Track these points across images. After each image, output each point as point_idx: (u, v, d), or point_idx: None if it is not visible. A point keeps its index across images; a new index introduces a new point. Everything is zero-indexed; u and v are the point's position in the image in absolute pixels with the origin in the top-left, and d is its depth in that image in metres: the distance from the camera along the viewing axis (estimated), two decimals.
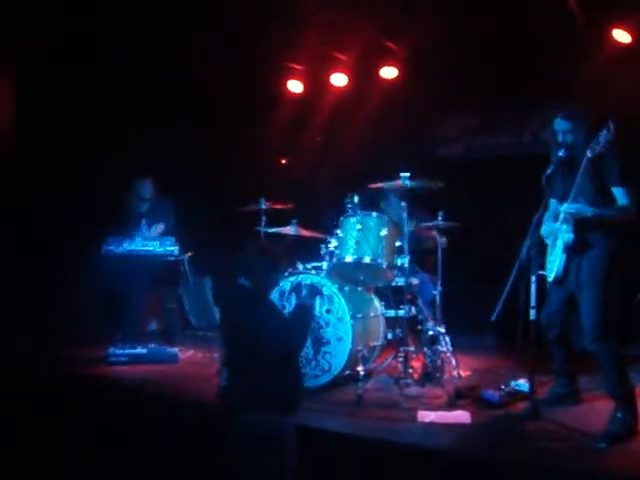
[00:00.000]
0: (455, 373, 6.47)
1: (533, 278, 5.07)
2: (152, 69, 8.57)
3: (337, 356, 6.08)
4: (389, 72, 8.70)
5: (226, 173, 9.30)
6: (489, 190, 8.17)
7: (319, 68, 8.99)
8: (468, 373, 6.68)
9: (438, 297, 6.65)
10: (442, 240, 6.82)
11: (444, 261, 6.74)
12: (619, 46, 7.30)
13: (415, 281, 6.72)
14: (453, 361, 6.47)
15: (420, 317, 6.56)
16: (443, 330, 6.60)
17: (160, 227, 7.92)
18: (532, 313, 5.08)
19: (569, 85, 7.46)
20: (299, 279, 6.27)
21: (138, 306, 7.93)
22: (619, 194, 4.99)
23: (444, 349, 6.48)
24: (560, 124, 5.21)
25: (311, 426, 5.12)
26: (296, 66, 9.07)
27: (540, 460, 4.61)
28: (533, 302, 5.08)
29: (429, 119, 9.00)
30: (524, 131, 8.52)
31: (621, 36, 7.29)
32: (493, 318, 4.98)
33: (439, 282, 6.65)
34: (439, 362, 6.33)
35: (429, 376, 6.20)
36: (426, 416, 5.42)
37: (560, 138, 5.19)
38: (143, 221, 7.94)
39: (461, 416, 5.42)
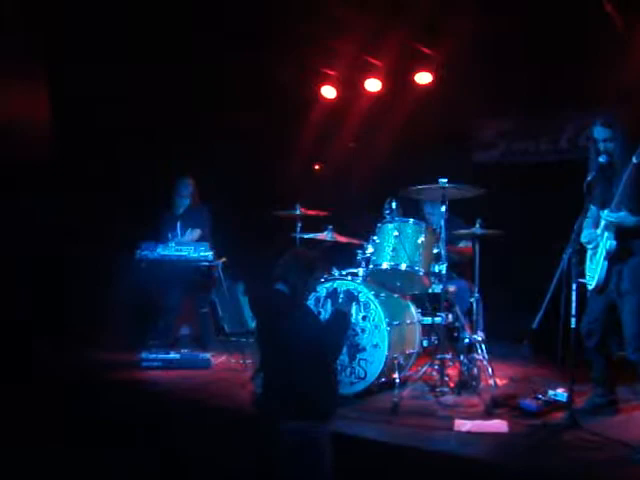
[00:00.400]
0: (491, 381, 6.38)
1: (574, 286, 4.99)
2: (186, 71, 8.56)
3: (373, 363, 6.01)
4: (423, 77, 8.64)
5: (261, 178, 9.28)
6: (526, 196, 8.05)
7: (353, 74, 8.95)
8: (505, 382, 6.58)
9: (475, 305, 6.57)
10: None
11: (481, 268, 6.69)
12: None
13: (452, 288, 6.64)
14: (489, 369, 6.39)
15: (457, 325, 6.49)
16: (480, 338, 6.52)
17: (196, 233, 7.92)
18: (573, 321, 5.00)
19: (607, 90, 7.39)
20: (335, 285, 6.21)
21: (172, 311, 7.91)
22: None
23: (480, 357, 6.41)
24: (600, 132, 5.17)
25: (347, 434, 5.07)
26: (330, 72, 9.03)
27: (578, 471, 4.53)
28: (574, 310, 5.00)
29: (464, 124, 8.92)
30: (561, 137, 8.44)
31: None
32: (534, 326, 4.90)
33: (476, 289, 6.58)
34: (475, 370, 6.28)
35: (465, 384, 6.13)
36: (463, 425, 5.33)
37: (601, 146, 5.13)
38: (179, 224, 7.93)
39: (498, 425, 5.33)
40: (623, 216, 4.92)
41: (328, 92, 9.21)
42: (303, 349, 4.52)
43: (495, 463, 4.72)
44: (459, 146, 8.91)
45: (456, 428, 5.31)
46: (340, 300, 5.84)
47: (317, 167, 9.81)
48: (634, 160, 4.85)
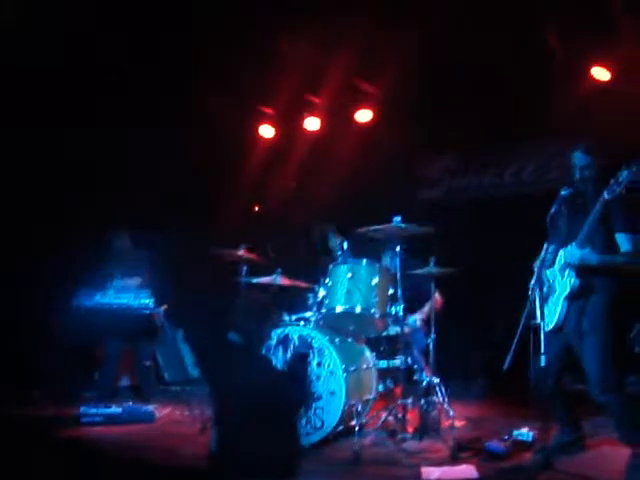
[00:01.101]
0: (451, 424, 6.18)
1: (542, 325, 4.85)
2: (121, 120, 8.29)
3: (330, 412, 5.73)
4: (364, 115, 8.55)
5: (199, 220, 8.98)
6: (473, 232, 7.98)
7: (292, 112, 8.79)
8: (463, 422, 6.39)
9: (431, 345, 6.39)
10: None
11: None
12: (598, 83, 7.28)
13: (407, 329, 6.45)
14: (451, 412, 6.18)
15: (415, 367, 6.30)
16: (437, 380, 6.32)
17: (136, 280, 7.58)
18: (542, 359, 4.85)
19: (550, 123, 7.43)
20: (286, 331, 5.93)
21: (111, 362, 7.53)
22: (622, 240, 4.83)
23: (439, 399, 6.22)
24: (580, 159, 5.06)
25: None
26: (268, 110, 8.85)
27: None
28: (543, 349, 4.85)
29: (407, 162, 8.87)
30: (505, 172, 8.44)
31: (600, 74, 7.27)
32: (505, 367, 4.72)
33: (433, 330, 6.39)
34: (435, 413, 6.08)
35: (426, 429, 5.93)
36: (431, 473, 5.10)
37: (578, 174, 5.03)
38: (118, 273, 7.56)
39: (467, 471, 5.12)
40: (586, 254, 4.83)
41: (266, 131, 9.03)
42: (264, 401, 4.26)
43: None
44: (403, 184, 8.81)
45: (424, 477, 5.08)
46: (294, 347, 5.60)
47: (257, 208, 9.56)
48: (605, 196, 4.73)
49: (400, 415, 5.98)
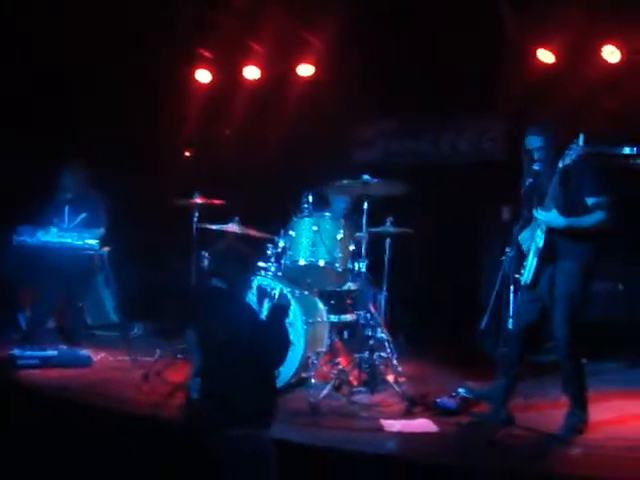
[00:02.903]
0: (395, 379, 6.32)
1: (512, 288, 5.09)
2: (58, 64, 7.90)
3: (287, 363, 5.73)
4: (306, 69, 8.48)
5: (135, 167, 8.70)
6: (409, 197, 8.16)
7: (231, 58, 8.61)
8: (403, 379, 6.57)
9: (383, 302, 6.54)
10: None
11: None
12: (543, 65, 7.52)
13: (354, 286, 6.57)
14: (398, 368, 6.36)
15: (361, 322, 6.39)
16: (386, 336, 6.48)
17: (81, 216, 7.22)
18: (510, 322, 5.09)
19: (494, 97, 7.65)
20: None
21: (47, 303, 7.25)
22: (593, 204, 5.10)
23: (388, 355, 6.38)
24: (532, 141, 5.25)
25: (280, 438, 4.81)
26: (206, 54, 8.62)
27: (518, 465, 4.63)
28: (511, 312, 5.09)
29: (344, 121, 8.86)
30: (442, 140, 8.62)
31: (545, 56, 7.53)
32: (482, 326, 4.93)
33: (385, 287, 6.52)
34: (383, 368, 6.24)
35: (376, 383, 6.08)
36: (392, 425, 5.29)
37: (535, 155, 5.24)
38: (66, 210, 7.21)
39: (427, 425, 5.34)
40: (553, 215, 5.06)
41: (203, 76, 8.77)
42: (247, 350, 4.24)
43: (440, 463, 4.69)
44: (338, 143, 8.85)
45: (386, 429, 5.27)
46: (276, 298, 5.58)
47: (187, 153, 9.34)
48: (560, 165, 5.00)
49: (347, 369, 6.12)
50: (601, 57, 7.29)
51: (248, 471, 4.11)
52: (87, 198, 7.34)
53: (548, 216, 5.05)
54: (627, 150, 7.18)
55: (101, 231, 7.01)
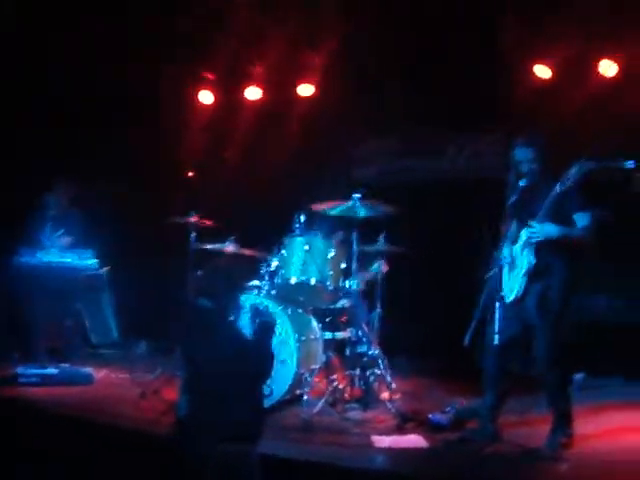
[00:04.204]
0: (389, 396, 6.40)
1: (497, 305, 5.13)
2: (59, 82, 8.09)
3: (279, 380, 5.89)
4: (306, 89, 8.61)
5: (136, 187, 8.89)
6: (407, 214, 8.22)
7: (233, 80, 8.77)
8: (398, 395, 6.61)
9: (376, 319, 6.62)
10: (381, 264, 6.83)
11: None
12: (540, 81, 7.61)
13: (347, 304, 6.65)
14: (392, 384, 6.44)
15: (364, 339, 6.46)
16: (380, 353, 6.55)
17: (67, 240, 7.37)
18: (496, 338, 5.13)
19: (492, 113, 7.73)
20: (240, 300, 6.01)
21: (41, 321, 7.34)
22: (579, 218, 5.13)
23: (381, 372, 6.45)
24: (522, 153, 5.29)
25: (270, 454, 4.90)
26: (209, 76, 8.78)
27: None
28: (496, 328, 5.13)
29: (343, 139, 8.96)
30: (442, 157, 8.69)
31: (542, 71, 7.61)
32: (465, 342, 4.99)
33: (378, 304, 6.61)
34: (376, 385, 6.31)
35: (369, 400, 6.15)
36: (382, 441, 5.35)
37: (524, 167, 5.28)
38: (48, 227, 7.37)
39: (416, 440, 5.40)
40: (548, 226, 5.08)
41: (206, 97, 8.93)
42: (233, 368, 4.32)
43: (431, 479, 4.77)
44: (337, 161, 8.95)
45: (376, 444, 5.32)
46: (261, 316, 5.66)
47: (190, 174, 9.47)
48: (557, 189, 5.01)
49: (341, 386, 6.19)
50: (598, 72, 7.37)
51: None
52: (69, 217, 7.49)
53: (543, 227, 5.09)
54: (628, 164, 7.22)
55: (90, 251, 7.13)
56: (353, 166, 9.15)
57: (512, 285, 5.28)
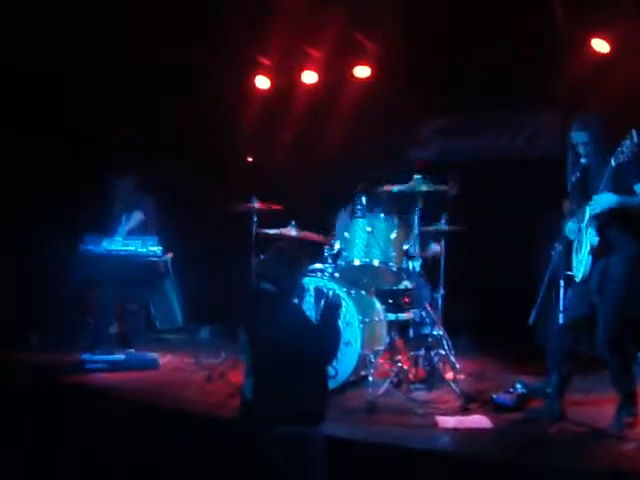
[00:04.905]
0: (454, 376, 6.38)
1: (562, 283, 5.08)
2: (120, 69, 8.22)
3: (344, 362, 5.91)
4: (362, 71, 8.54)
5: (205, 174, 8.96)
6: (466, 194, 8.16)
7: (289, 64, 8.76)
8: (463, 376, 6.59)
9: (440, 301, 6.59)
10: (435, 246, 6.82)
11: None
12: (598, 55, 7.41)
13: (410, 285, 6.63)
14: (456, 365, 6.42)
15: (427, 321, 6.43)
16: (444, 333, 6.53)
17: (138, 215, 7.47)
18: (560, 317, 5.08)
19: (549, 90, 7.60)
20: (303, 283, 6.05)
21: (106, 309, 7.49)
22: None
23: (445, 352, 6.43)
24: (578, 136, 5.25)
25: (335, 435, 4.94)
26: (265, 61, 8.78)
27: (573, 462, 4.62)
28: (561, 306, 5.08)
29: (402, 120, 8.91)
30: (500, 136, 8.61)
31: (599, 45, 7.42)
32: (530, 322, 4.95)
33: (441, 285, 6.59)
34: (440, 366, 6.29)
35: (434, 380, 6.14)
36: (446, 422, 5.35)
37: (581, 150, 5.23)
38: (123, 217, 7.47)
39: (481, 420, 5.38)
40: (605, 196, 4.98)
41: (262, 82, 8.93)
42: (298, 349, 4.35)
43: (493, 459, 4.72)
44: (395, 142, 8.89)
45: (440, 425, 5.32)
46: (328, 299, 5.69)
47: (250, 159, 9.53)
48: (612, 163, 4.94)
49: (405, 367, 6.18)
50: None
51: (298, 469, 4.23)
52: (140, 204, 7.59)
53: (600, 198, 5.00)
54: None
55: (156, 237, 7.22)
56: (411, 147, 9.08)
57: (579, 264, 5.22)
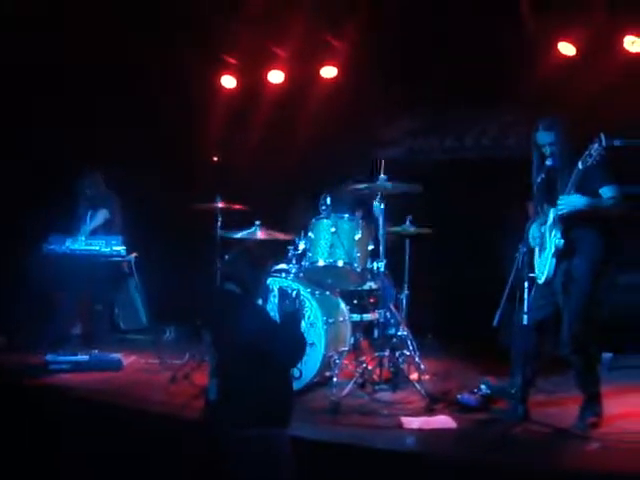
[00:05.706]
0: (418, 377, 6.39)
1: (526, 284, 5.10)
2: (87, 68, 8.14)
3: (308, 363, 5.88)
4: (329, 71, 8.55)
5: (162, 173, 8.85)
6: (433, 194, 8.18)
7: (256, 63, 8.74)
8: (428, 376, 6.62)
9: (404, 301, 6.61)
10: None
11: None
12: (564, 57, 7.49)
13: (375, 285, 6.63)
14: (421, 365, 6.44)
15: (383, 321, 6.41)
16: (408, 334, 6.54)
17: (102, 214, 7.47)
18: (525, 318, 5.10)
19: (515, 91, 7.65)
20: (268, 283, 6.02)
21: (70, 308, 7.45)
22: (606, 191, 5.08)
23: (410, 353, 6.44)
24: (543, 137, 5.27)
25: (299, 436, 4.91)
26: (231, 60, 8.76)
27: (536, 462, 4.64)
28: (526, 308, 5.10)
29: (369, 120, 8.93)
30: (466, 136, 8.65)
31: (566, 48, 7.49)
32: (494, 323, 4.97)
33: (405, 286, 6.61)
34: (405, 366, 6.31)
35: (398, 381, 6.14)
36: (411, 422, 5.35)
37: (546, 150, 5.25)
38: (88, 215, 7.45)
39: (446, 421, 5.39)
40: (574, 197, 5.01)
41: (228, 82, 8.93)
42: (261, 351, 4.32)
43: (457, 459, 4.74)
44: (362, 142, 8.91)
45: (405, 426, 5.32)
46: (290, 299, 5.67)
47: (215, 159, 9.48)
48: (580, 166, 4.96)
49: (370, 367, 6.19)
50: (622, 48, 7.22)
51: (264, 471, 4.20)
52: (106, 201, 7.56)
53: (570, 198, 5.04)
54: None
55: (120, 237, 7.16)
56: (378, 147, 9.09)
57: (542, 266, 5.26)
